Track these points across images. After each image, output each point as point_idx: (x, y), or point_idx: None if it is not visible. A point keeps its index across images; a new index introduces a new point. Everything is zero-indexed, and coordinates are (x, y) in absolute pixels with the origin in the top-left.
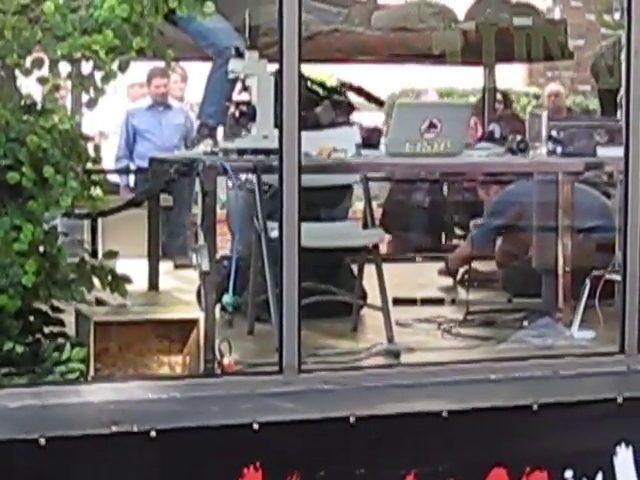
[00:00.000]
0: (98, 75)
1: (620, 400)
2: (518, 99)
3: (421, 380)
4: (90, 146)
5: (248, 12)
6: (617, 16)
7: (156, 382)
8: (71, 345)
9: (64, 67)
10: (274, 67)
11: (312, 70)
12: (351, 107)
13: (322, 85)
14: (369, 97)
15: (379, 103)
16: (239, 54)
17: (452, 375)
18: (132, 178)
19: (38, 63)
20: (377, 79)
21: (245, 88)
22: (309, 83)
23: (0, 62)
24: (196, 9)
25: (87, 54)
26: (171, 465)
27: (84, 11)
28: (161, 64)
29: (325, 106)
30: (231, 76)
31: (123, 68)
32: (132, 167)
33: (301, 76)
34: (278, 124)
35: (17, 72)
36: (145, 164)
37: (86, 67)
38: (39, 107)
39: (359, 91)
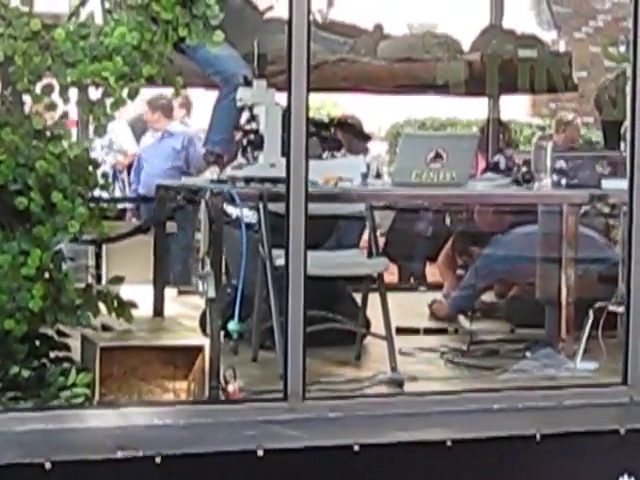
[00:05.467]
0: (108, 102)
1: (623, 431)
2: (521, 130)
3: (425, 409)
4: (99, 172)
5: (256, 40)
6: (622, 49)
7: (161, 408)
8: (77, 370)
9: (74, 93)
10: (282, 96)
11: (317, 99)
12: (339, 143)
13: (312, 120)
14: (356, 133)
15: (366, 138)
16: (247, 83)
17: (456, 404)
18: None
19: (48, 89)
20: (382, 108)
21: (253, 117)
22: None
23: (10, 88)
24: (205, 37)
25: (97, 81)
26: None
27: (94, 38)
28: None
29: (313, 141)
30: (239, 104)
31: (132, 95)
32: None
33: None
34: (285, 153)
35: (27, 98)
36: (143, 191)
37: (96, 94)
38: (48, 133)
39: (347, 127)
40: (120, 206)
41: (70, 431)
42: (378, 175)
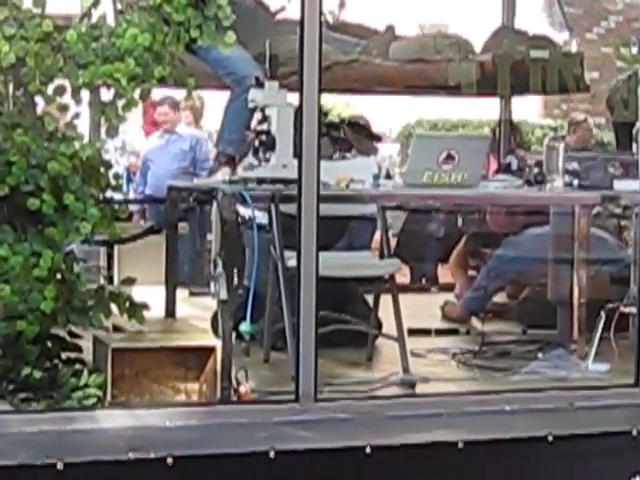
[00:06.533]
0: (119, 103)
1: (635, 433)
2: (533, 131)
3: (436, 410)
4: (110, 174)
5: (268, 42)
6: (634, 50)
7: (173, 409)
8: (88, 371)
9: (86, 94)
10: (294, 97)
11: (329, 99)
12: (350, 144)
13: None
14: (368, 134)
15: (376, 139)
16: (259, 84)
17: (467, 406)
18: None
19: (60, 90)
20: (393, 109)
21: (265, 118)
22: None
23: (22, 89)
24: (217, 39)
25: (109, 82)
26: None
27: (106, 39)
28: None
29: (324, 142)
30: (251, 106)
31: (144, 96)
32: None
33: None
34: (297, 154)
35: (39, 99)
36: (150, 192)
37: (107, 95)
38: (60, 134)
39: (358, 127)
40: (130, 207)
41: (82, 432)
42: (388, 176)
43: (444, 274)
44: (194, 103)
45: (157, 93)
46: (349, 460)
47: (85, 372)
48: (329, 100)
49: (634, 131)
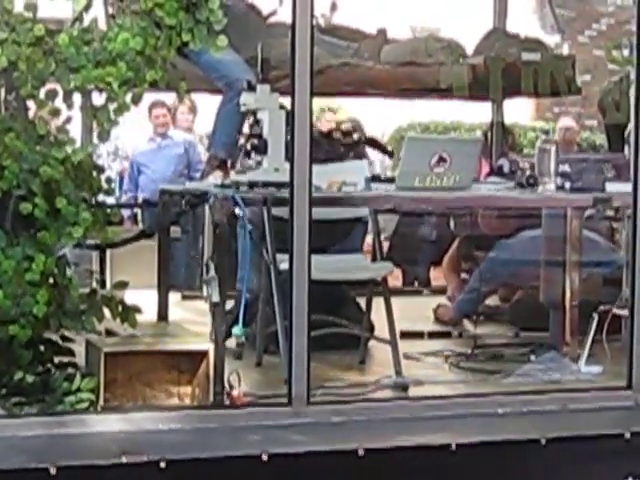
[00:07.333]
0: (111, 107)
1: (628, 435)
2: (525, 133)
3: (429, 413)
4: (102, 178)
5: (260, 45)
6: (626, 52)
7: (166, 413)
8: (81, 375)
9: (78, 98)
10: (285, 100)
11: (321, 103)
12: (359, 151)
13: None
14: (381, 148)
15: (389, 154)
16: (251, 87)
17: (460, 408)
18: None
19: (52, 94)
20: (385, 113)
21: (257, 121)
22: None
23: (14, 93)
24: (209, 42)
25: (101, 86)
26: None
27: (98, 44)
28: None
29: (336, 144)
30: (243, 109)
31: (136, 100)
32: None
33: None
34: (289, 157)
35: (31, 103)
36: (146, 196)
37: (99, 99)
38: (52, 138)
39: (372, 143)
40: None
41: (75, 436)
42: (380, 179)
43: (436, 277)
44: (191, 105)
45: (150, 97)
46: (342, 463)
47: (78, 376)
48: (322, 103)
49: (626, 133)
